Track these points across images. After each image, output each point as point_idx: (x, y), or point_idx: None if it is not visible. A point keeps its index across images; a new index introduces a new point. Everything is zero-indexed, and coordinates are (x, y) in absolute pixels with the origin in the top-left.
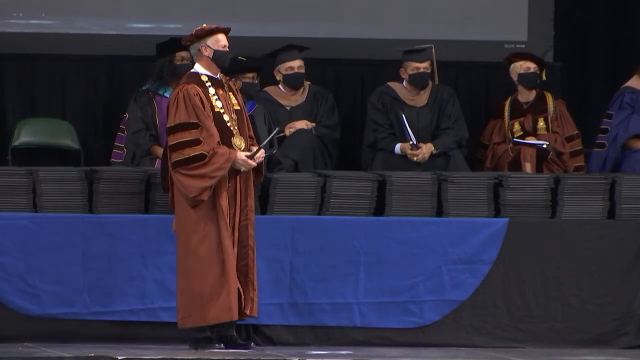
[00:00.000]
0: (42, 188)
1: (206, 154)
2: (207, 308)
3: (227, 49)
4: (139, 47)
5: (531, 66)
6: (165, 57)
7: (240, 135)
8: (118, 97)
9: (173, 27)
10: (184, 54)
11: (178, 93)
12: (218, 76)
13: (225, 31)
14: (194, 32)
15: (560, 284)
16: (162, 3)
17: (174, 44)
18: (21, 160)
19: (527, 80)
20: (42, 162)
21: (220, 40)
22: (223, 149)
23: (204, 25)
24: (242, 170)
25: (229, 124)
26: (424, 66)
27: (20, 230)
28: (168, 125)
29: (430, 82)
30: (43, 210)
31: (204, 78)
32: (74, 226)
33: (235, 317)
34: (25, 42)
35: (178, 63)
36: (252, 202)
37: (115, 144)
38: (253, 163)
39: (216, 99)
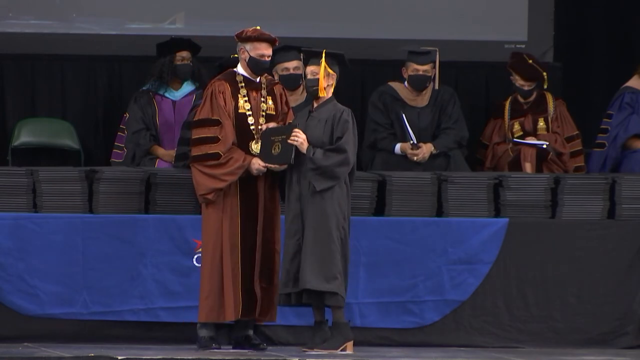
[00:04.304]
0: (42, 188)
1: (221, 153)
2: (209, 306)
3: (264, 59)
4: (139, 47)
5: (525, 84)
6: (165, 57)
7: None
8: (118, 97)
9: (173, 27)
10: (184, 54)
11: (208, 88)
12: (258, 79)
13: (270, 41)
14: (236, 33)
15: (560, 284)
16: (162, 3)
17: (174, 44)
18: (21, 160)
19: (524, 93)
20: (42, 162)
21: (259, 49)
22: (239, 154)
23: (257, 27)
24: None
25: (252, 127)
26: (423, 69)
27: (20, 230)
28: (194, 119)
29: (429, 85)
30: (43, 210)
31: (239, 78)
32: (74, 226)
33: (231, 318)
34: (25, 42)
35: (178, 63)
36: (277, 205)
37: (115, 144)
38: (264, 169)
39: (245, 101)
